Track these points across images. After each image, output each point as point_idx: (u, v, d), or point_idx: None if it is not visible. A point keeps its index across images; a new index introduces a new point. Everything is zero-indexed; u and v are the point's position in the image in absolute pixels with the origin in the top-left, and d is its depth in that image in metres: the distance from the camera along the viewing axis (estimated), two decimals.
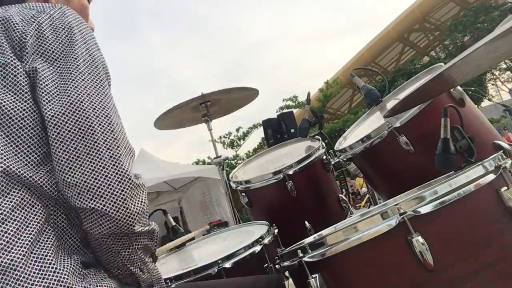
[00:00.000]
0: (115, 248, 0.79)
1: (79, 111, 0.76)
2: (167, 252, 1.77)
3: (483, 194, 0.90)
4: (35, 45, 0.81)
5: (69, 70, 0.80)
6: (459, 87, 1.43)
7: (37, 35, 0.81)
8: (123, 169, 0.76)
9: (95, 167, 0.74)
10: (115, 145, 0.76)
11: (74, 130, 0.75)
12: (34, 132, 0.78)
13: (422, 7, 25.16)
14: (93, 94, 0.79)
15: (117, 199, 0.74)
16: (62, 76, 0.79)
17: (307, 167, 1.82)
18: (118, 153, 0.76)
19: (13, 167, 0.73)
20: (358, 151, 1.59)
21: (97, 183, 0.73)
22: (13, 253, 0.67)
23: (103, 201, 0.73)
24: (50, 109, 0.76)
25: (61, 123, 0.75)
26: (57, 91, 0.78)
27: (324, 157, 1.90)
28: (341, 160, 1.77)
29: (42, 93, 0.77)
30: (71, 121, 0.75)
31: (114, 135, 0.78)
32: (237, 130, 22.04)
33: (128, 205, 0.75)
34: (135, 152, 0.84)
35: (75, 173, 0.73)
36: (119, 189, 0.74)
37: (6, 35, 0.81)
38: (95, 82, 0.81)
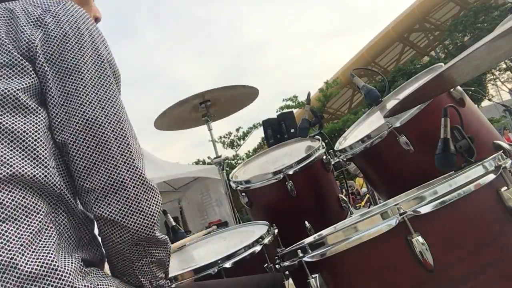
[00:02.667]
0: (130, 256, 0.81)
1: (93, 122, 0.78)
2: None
3: (483, 194, 0.90)
4: (44, 51, 0.81)
5: (80, 76, 0.81)
6: (459, 87, 1.43)
7: (45, 38, 0.81)
8: (138, 173, 0.78)
9: (111, 173, 0.76)
10: (128, 150, 0.79)
11: (89, 140, 0.77)
12: (40, 130, 0.78)
13: (422, 7, 25.17)
14: (104, 102, 0.81)
15: (132, 203, 0.77)
16: (70, 82, 0.80)
17: (307, 167, 1.82)
18: (131, 157, 0.79)
19: (17, 167, 0.73)
20: (358, 151, 1.59)
21: (113, 188, 0.76)
22: (13, 251, 0.67)
23: (119, 206, 0.76)
24: (63, 120, 0.78)
25: (76, 135, 0.77)
26: (66, 98, 0.79)
27: (324, 157, 1.90)
28: (341, 160, 1.77)
29: (52, 103, 0.79)
30: (86, 133, 0.78)
31: (127, 140, 0.80)
32: (237, 130, 22.04)
33: (144, 208, 0.78)
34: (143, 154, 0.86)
35: (92, 179, 0.76)
36: (134, 192, 0.77)
37: (12, 39, 0.81)
38: (105, 87, 0.82)
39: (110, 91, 0.82)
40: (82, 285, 0.72)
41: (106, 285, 0.77)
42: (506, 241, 0.88)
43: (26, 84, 0.78)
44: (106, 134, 0.78)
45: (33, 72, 0.79)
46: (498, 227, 0.89)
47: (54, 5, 0.85)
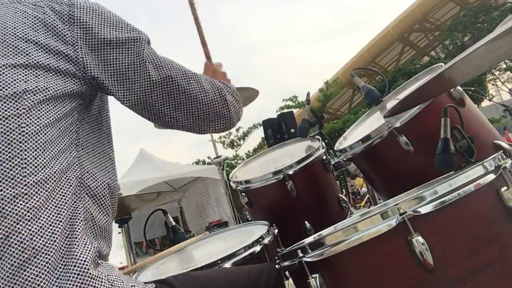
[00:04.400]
0: None
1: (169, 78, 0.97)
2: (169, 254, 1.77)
3: (483, 194, 0.90)
4: (84, 41, 0.88)
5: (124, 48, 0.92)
6: (459, 87, 1.43)
7: (83, 31, 0.88)
8: (216, 89, 1.07)
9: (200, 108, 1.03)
10: (194, 79, 1.02)
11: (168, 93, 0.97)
12: (75, 123, 0.86)
13: (422, 7, 25.15)
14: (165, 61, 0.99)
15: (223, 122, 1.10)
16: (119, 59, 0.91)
17: (307, 167, 1.82)
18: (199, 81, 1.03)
19: (45, 162, 0.78)
20: (358, 151, 1.59)
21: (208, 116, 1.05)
22: (46, 237, 0.72)
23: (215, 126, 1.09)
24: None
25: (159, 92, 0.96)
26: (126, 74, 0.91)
27: (324, 157, 1.90)
28: (341, 160, 1.77)
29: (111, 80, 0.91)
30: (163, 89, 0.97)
31: (196, 77, 1.04)
32: (237, 130, 22.05)
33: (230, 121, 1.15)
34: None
35: (188, 117, 1.01)
36: (222, 115, 1.09)
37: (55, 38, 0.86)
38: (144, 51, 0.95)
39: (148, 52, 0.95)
40: (96, 273, 0.75)
41: (115, 276, 0.80)
42: (506, 241, 0.88)
43: (70, 89, 0.85)
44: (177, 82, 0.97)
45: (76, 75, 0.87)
46: (498, 227, 0.89)
47: None
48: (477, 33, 19.51)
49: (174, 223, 1.95)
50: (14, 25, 0.83)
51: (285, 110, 16.88)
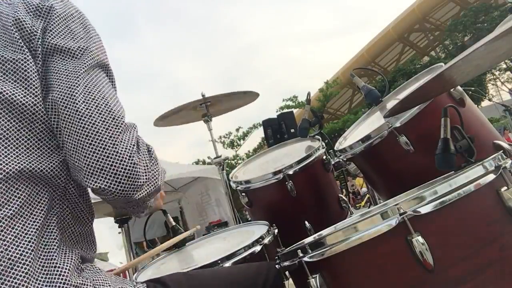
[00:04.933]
0: (125, 207, 0.89)
1: (78, 97, 0.79)
2: (167, 252, 1.77)
3: (483, 194, 0.90)
4: (45, 42, 0.82)
5: (73, 58, 0.83)
6: (459, 87, 1.43)
7: (45, 27, 0.83)
8: (123, 149, 0.78)
9: (96, 150, 0.77)
10: (113, 126, 0.79)
11: (74, 116, 0.78)
12: (45, 125, 0.79)
13: (422, 7, 25.15)
14: (89, 82, 0.82)
15: (119, 178, 0.78)
16: (64, 64, 0.82)
17: (307, 167, 1.82)
18: (117, 133, 0.79)
19: (24, 163, 0.75)
20: (358, 151, 1.59)
21: (99, 164, 0.76)
22: (21, 247, 0.69)
23: (107, 181, 0.77)
24: (50, 96, 0.80)
25: (61, 111, 0.78)
26: (57, 78, 0.81)
27: (324, 157, 1.90)
28: (341, 160, 1.77)
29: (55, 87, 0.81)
30: (70, 109, 0.78)
31: (111, 114, 0.80)
32: (237, 130, 22.06)
33: (130, 182, 0.79)
34: (135, 125, 0.86)
35: (80, 156, 0.77)
36: (121, 168, 0.77)
37: (18, 29, 0.82)
38: (97, 78, 0.84)
39: (101, 81, 0.84)
40: (78, 282, 0.73)
41: (102, 279, 0.79)
42: (506, 241, 0.88)
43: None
44: (89, 111, 0.79)
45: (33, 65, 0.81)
46: (498, 227, 0.89)
47: None
48: (477, 33, 19.51)
49: (174, 223, 1.95)
50: None
51: (285, 110, 16.88)
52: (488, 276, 0.85)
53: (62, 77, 0.80)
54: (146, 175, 0.82)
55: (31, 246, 0.70)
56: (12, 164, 0.73)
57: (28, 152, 0.76)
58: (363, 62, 26.49)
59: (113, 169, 0.77)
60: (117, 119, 0.80)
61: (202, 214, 10.59)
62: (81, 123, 0.77)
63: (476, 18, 20.50)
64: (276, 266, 1.05)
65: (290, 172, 1.79)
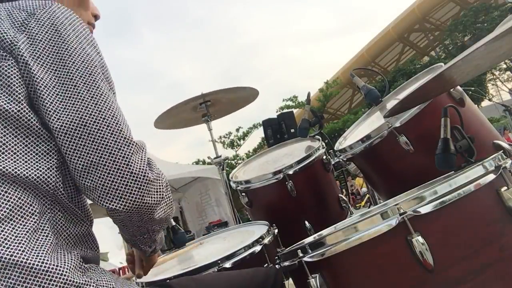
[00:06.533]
0: (132, 232, 0.90)
1: (89, 119, 0.78)
2: (167, 252, 1.77)
3: (483, 194, 0.90)
4: (29, 50, 0.80)
5: (69, 76, 0.80)
6: (459, 87, 1.43)
7: (30, 41, 0.81)
8: (137, 168, 0.79)
9: (110, 170, 0.77)
10: (126, 146, 0.79)
11: (86, 138, 0.77)
12: (32, 131, 0.78)
13: (422, 7, 25.15)
14: (98, 98, 0.80)
15: (135, 197, 0.78)
16: (61, 82, 0.80)
17: (307, 167, 1.82)
18: (129, 153, 0.79)
19: (11, 167, 0.74)
20: (358, 151, 1.59)
21: (114, 185, 0.77)
22: (12, 248, 0.69)
23: (122, 201, 0.78)
24: (58, 120, 0.78)
25: (72, 134, 0.77)
26: (60, 100, 0.78)
27: (324, 157, 1.90)
28: (341, 160, 1.77)
29: (46, 102, 0.78)
30: (81, 131, 0.77)
31: (123, 134, 0.80)
32: (237, 130, 22.05)
33: (146, 200, 0.80)
34: (145, 144, 0.86)
35: (93, 178, 0.77)
36: (136, 187, 0.78)
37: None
38: (96, 85, 0.81)
39: (101, 91, 0.81)
40: (83, 281, 0.73)
41: (106, 281, 0.78)
42: (506, 241, 0.88)
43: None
44: (102, 131, 0.78)
45: (16, 66, 0.79)
46: (498, 227, 0.89)
47: (39, 8, 0.84)
48: (477, 33, 19.51)
49: (174, 223, 1.95)
50: None
51: (285, 110, 16.88)
52: (488, 276, 0.85)
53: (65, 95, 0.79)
54: (160, 194, 0.83)
55: (22, 248, 0.69)
56: None
57: (14, 158, 0.75)
58: (363, 62, 26.49)
59: (129, 189, 0.78)
60: (128, 139, 0.80)
61: (202, 214, 10.59)
62: (94, 145, 0.77)
63: (476, 18, 20.50)
64: (276, 266, 1.05)
65: (290, 172, 1.79)
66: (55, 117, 0.78)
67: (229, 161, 18.30)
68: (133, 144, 0.80)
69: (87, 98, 0.79)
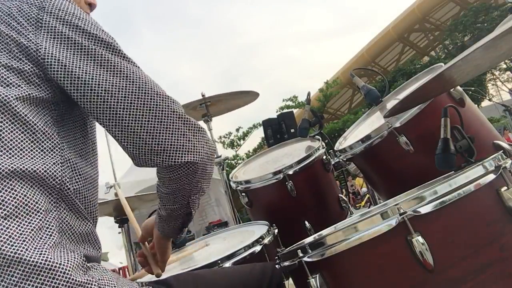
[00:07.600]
0: (189, 190, 0.92)
1: (127, 88, 0.84)
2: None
3: (483, 194, 0.90)
4: (53, 45, 0.83)
5: (93, 54, 0.84)
6: (459, 87, 1.43)
7: (51, 36, 0.83)
8: (190, 119, 0.87)
9: (175, 128, 0.84)
10: (170, 102, 0.86)
11: (141, 109, 0.83)
12: (37, 129, 0.79)
13: (422, 7, 25.13)
14: (130, 70, 0.87)
15: (203, 146, 0.86)
16: (83, 57, 0.83)
17: (307, 167, 1.82)
18: (176, 107, 0.86)
19: (18, 163, 0.74)
20: (358, 151, 1.59)
21: (185, 138, 0.84)
22: (16, 245, 0.69)
23: (196, 152, 0.84)
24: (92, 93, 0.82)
25: (114, 104, 0.82)
26: (101, 79, 0.83)
27: (324, 157, 1.90)
28: (341, 160, 1.77)
29: (69, 78, 0.82)
30: (124, 99, 0.82)
31: (163, 95, 0.86)
32: (237, 130, 22.02)
33: (211, 147, 0.88)
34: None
35: (160, 140, 0.82)
36: (199, 136, 0.87)
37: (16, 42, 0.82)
38: (121, 55, 0.89)
39: (125, 64, 0.88)
40: (85, 279, 0.73)
41: (107, 279, 0.78)
42: (506, 241, 0.88)
43: (26, 93, 0.80)
44: (143, 98, 0.83)
45: (39, 80, 0.81)
46: (498, 227, 0.89)
47: (46, 1, 0.86)
48: (477, 33, 19.50)
49: None
50: None
51: (285, 110, 16.88)
52: (488, 276, 0.85)
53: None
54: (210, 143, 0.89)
55: (26, 245, 0.70)
56: (5, 164, 0.73)
57: (21, 153, 0.76)
58: (363, 62, 26.47)
59: (197, 138, 0.85)
60: (166, 96, 0.87)
61: (202, 214, 10.59)
62: (148, 113, 0.82)
63: (476, 18, 20.50)
64: (276, 266, 1.05)
65: (290, 172, 1.79)
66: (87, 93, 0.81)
67: (229, 161, 18.26)
68: (170, 98, 0.87)
69: (124, 72, 0.85)
